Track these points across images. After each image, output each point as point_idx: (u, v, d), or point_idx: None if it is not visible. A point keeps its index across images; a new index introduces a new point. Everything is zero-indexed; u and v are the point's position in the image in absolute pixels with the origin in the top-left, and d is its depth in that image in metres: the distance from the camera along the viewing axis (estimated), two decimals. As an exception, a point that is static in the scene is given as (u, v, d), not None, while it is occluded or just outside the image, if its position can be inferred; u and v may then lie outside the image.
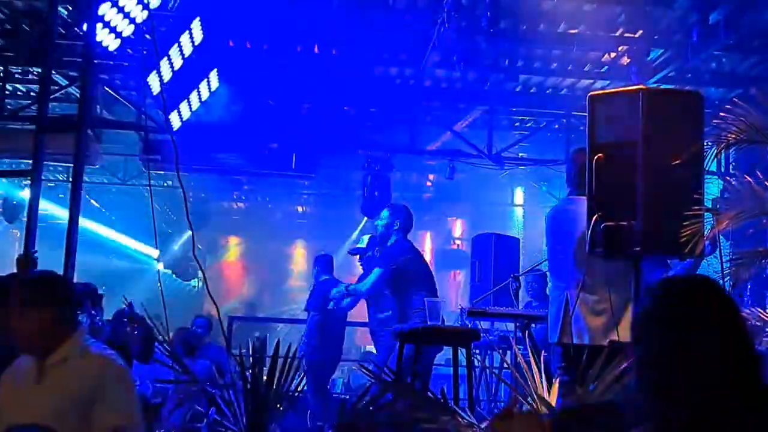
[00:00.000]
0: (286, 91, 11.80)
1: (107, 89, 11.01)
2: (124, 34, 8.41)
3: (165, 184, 14.48)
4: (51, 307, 3.98)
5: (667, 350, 2.10)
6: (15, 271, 5.91)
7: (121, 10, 8.20)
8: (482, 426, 3.79)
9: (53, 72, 8.14)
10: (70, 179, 6.82)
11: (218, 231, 20.13)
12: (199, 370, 5.57)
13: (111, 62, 10.02)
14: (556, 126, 12.50)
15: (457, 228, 20.01)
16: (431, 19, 9.51)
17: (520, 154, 12.99)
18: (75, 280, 6.41)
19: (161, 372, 5.98)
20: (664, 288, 2.25)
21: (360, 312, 9.42)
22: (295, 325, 12.94)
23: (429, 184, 17.54)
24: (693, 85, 10.33)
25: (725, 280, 4.94)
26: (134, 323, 6.45)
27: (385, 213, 8.32)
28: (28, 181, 7.52)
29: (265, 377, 4.45)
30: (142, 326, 6.49)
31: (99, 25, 7.60)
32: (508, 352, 8.28)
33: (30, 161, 6.75)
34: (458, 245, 19.45)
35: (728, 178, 11.18)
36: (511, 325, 7.65)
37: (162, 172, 12.52)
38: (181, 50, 9.57)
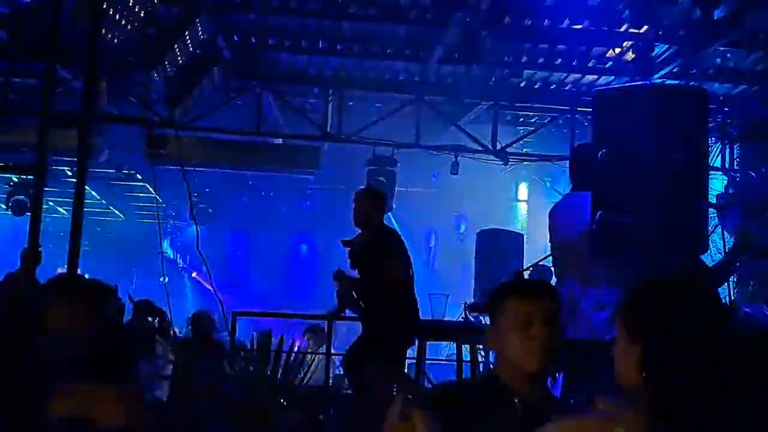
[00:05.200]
0: (290, 85, 11.83)
1: (111, 84, 11.03)
2: (129, 29, 8.43)
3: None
4: None
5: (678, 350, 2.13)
6: (20, 266, 5.93)
7: (126, 4, 8.22)
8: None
9: (58, 66, 8.13)
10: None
11: (223, 226, 20.14)
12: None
13: (115, 56, 10.04)
14: (561, 122, 12.49)
15: (462, 223, 20.00)
16: (436, 15, 9.52)
17: (524, 150, 12.97)
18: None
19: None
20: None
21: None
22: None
23: (433, 179, 17.54)
24: (697, 81, 10.31)
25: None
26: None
27: None
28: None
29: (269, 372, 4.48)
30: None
31: (104, 20, 7.61)
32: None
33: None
34: (462, 240, 19.45)
35: (733, 173, 11.21)
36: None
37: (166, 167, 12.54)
38: (185, 44, 9.59)
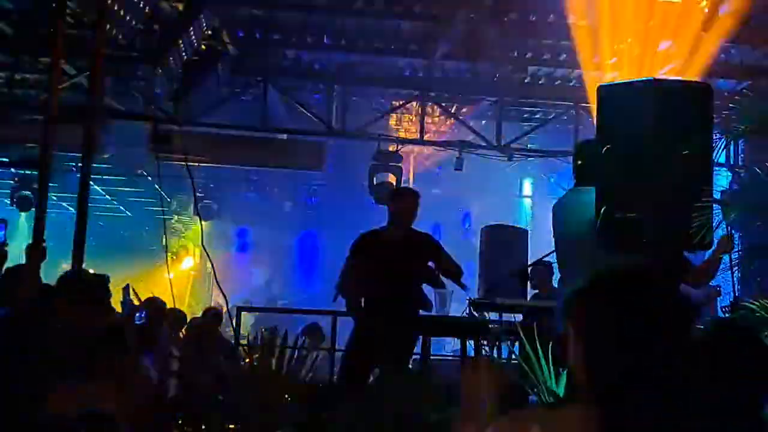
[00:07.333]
0: (295, 81, 11.83)
1: (116, 79, 11.03)
2: (134, 24, 8.42)
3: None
4: None
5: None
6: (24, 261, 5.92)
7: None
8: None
9: (62, 62, 8.14)
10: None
11: (227, 222, 20.17)
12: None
13: (120, 52, 10.03)
14: (565, 117, 12.47)
15: (466, 219, 20.00)
16: (440, 10, 9.51)
17: (528, 146, 12.96)
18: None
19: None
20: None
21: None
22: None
23: (438, 175, 17.52)
24: (702, 77, 10.29)
25: (734, 271, 4.94)
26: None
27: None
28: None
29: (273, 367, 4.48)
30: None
31: (108, 15, 7.60)
32: (516, 343, 8.29)
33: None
34: (467, 236, 19.42)
35: (737, 169, 11.19)
36: (519, 316, 7.65)
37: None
38: (190, 40, 9.58)
